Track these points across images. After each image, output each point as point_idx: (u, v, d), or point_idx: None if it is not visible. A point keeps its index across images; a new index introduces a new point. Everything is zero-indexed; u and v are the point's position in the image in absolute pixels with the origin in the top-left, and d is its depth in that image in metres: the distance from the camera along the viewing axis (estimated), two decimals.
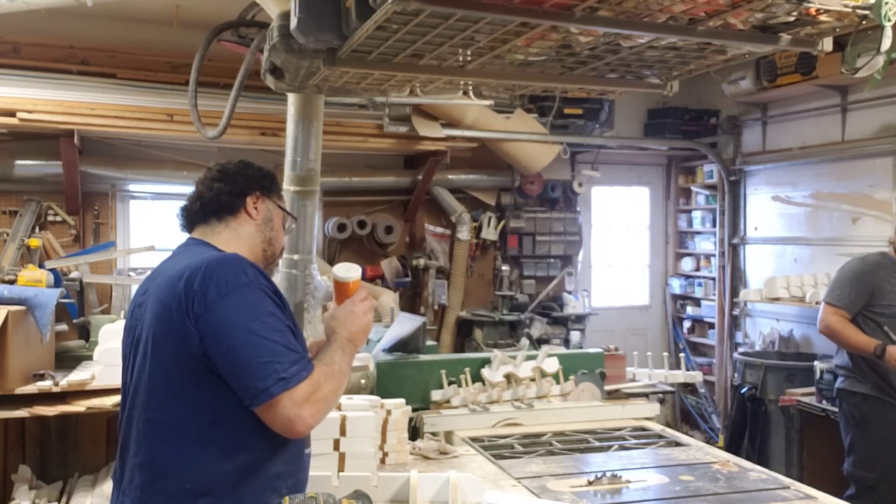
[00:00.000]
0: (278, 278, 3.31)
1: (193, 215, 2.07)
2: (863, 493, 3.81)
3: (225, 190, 2.04)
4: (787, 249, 6.35)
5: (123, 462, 1.89)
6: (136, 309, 1.95)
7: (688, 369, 4.82)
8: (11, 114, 4.85)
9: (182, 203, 2.11)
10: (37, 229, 5.25)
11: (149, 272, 2.04)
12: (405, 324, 3.92)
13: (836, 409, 4.19)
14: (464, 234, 6.30)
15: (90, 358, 3.50)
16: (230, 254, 1.93)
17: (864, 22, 2.06)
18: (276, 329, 1.77)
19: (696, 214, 7.21)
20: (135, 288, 5.21)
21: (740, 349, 6.35)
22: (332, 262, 5.97)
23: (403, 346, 3.74)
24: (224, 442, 1.78)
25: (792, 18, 2.10)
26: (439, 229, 6.38)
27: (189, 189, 2.14)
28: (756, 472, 2.72)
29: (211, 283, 1.77)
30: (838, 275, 4.01)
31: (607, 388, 3.78)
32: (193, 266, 1.82)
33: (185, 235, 2.10)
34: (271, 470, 1.84)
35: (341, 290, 2.02)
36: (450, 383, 3.51)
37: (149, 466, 1.81)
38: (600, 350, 4.06)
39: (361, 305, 1.99)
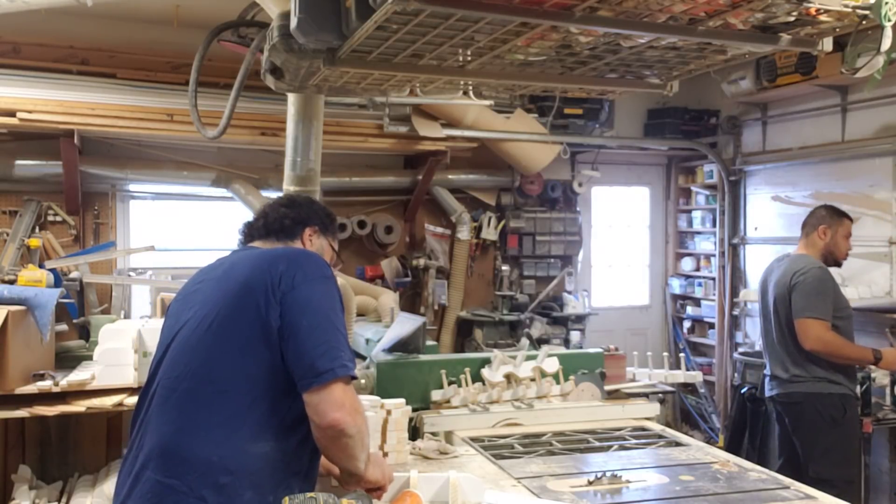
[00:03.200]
0: None
1: (255, 231, 2.25)
2: (845, 489, 3.81)
3: (289, 215, 2.23)
4: (787, 249, 6.26)
5: (143, 435, 1.92)
6: (190, 296, 2.07)
7: (688, 369, 4.81)
8: (11, 114, 4.85)
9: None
10: (37, 229, 5.25)
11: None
12: (405, 324, 3.91)
13: None
14: (464, 234, 6.30)
15: (90, 358, 3.49)
16: (309, 250, 2.15)
17: (864, 22, 2.07)
18: (343, 324, 1.94)
19: (696, 214, 7.21)
20: (135, 288, 5.29)
21: (740, 349, 6.35)
22: None
23: (403, 346, 3.73)
24: (256, 425, 1.85)
25: (792, 18, 2.10)
26: (439, 229, 6.37)
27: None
28: (756, 472, 2.72)
29: (298, 267, 1.95)
30: (806, 287, 3.91)
31: (607, 388, 3.77)
32: (278, 253, 2.03)
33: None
34: (290, 467, 1.90)
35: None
36: (450, 383, 3.50)
37: (179, 435, 1.85)
38: (600, 350, 4.05)
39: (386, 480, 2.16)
